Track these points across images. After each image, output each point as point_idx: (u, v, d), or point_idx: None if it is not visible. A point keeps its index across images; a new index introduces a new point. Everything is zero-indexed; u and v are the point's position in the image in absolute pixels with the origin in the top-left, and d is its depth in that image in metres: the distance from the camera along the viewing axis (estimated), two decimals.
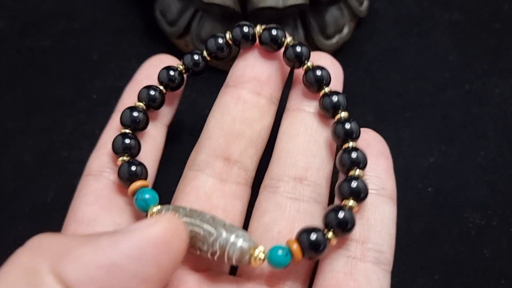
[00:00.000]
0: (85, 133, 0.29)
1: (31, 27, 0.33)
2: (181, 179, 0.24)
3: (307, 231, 0.20)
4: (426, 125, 0.30)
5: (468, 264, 0.26)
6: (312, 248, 0.20)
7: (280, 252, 0.20)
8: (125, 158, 0.22)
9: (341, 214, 0.20)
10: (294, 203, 0.22)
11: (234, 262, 0.20)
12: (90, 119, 0.30)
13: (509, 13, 0.34)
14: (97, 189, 0.22)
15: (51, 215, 0.27)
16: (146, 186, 0.22)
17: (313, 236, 0.20)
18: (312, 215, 0.22)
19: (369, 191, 0.22)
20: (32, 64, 0.32)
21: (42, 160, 0.28)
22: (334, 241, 0.20)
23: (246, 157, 0.23)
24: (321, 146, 0.23)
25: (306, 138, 0.23)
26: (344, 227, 0.20)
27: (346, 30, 0.32)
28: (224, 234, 0.20)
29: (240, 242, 0.20)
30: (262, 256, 0.20)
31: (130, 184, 0.22)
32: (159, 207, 0.21)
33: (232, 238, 0.20)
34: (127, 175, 0.22)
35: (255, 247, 0.20)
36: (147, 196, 0.21)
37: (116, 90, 0.28)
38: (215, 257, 0.20)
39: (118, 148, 0.23)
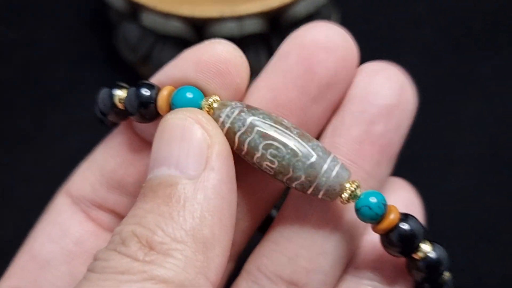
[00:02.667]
0: (45, 168, 0.29)
1: None
2: None
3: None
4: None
5: None
6: (404, 240, 0.15)
7: (376, 200, 0.15)
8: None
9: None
10: None
11: (321, 194, 0.16)
12: (50, 153, 0.29)
13: (482, 32, 0.33)
14: (67, 223, 0.19)
15: (8, 252, 0.26)
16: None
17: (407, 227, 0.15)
18: None
19: None
20: None
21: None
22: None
23: None
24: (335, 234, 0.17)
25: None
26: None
27: None
28: (319, 152, 0.15)
29: (337, 169, 0.15)
30: (358, 192, 0.15)
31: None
32: (216, 97, 0.16)
33: (329, 160, 0.15)
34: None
35: (353, 181, 0.16)
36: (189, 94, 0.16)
37: (77, 122, 0.28)
38: (295, 184, 0.15)
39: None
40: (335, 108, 0.17)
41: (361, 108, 0.17)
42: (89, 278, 0.14)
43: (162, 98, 0.16)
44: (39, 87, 0.32)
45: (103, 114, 0.18)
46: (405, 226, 0.15)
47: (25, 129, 0.31)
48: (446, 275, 0.17)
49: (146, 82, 0.17)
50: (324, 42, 0.16)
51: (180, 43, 0.29)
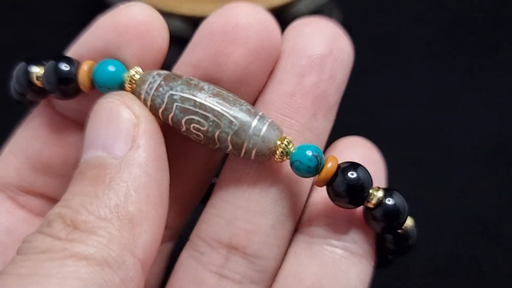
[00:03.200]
0: None
1: None
2: None
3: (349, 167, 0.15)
4: (398, 150, 0.29)
5: None
6: (349, 188, 0.15)
7: (309, 152, 0.15)
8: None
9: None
10: (220, 282, 0.17)
11: (252, 157, 0.15)
12: None
13: (482, 30, 0.33)
14: None
15: None
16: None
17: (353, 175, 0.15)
18: None
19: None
20: None
21: None
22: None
23: None
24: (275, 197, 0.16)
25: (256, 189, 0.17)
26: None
27: None
28: (242, 117, 0.15)
29: (265, 129, 0.15)
30: (291, 148, 0.15)
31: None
32: (138, 69, 0.15)
33: (254, 123, 0.15)
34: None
35: (283, 138, 0.15)
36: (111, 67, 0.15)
37: None
38: (227, 150, 0.15)
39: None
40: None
41: (291, 61, 0.16)
42: (13, 260, 0.14)
43: (83, 74, 0.15)
44: None
45: (20, 94, 0.17)
46: (351, 174, 0.15)
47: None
48: (409, 223, 0.16)
49: (64, 56, 0.16)
50: (233, 32, 0.15)
51: (181, 43, 0.29)
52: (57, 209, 0.14)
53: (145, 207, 0.14)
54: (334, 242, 0.16)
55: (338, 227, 0.16)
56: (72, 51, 0.17)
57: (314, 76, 0.16)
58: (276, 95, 0.16)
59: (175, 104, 0.15)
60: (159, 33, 0.16)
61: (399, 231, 0.16)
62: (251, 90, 0.16)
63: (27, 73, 0.16)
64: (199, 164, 0.17)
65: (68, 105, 0.17)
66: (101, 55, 0.16)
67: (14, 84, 0.17)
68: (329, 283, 0.16)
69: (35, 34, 0.34)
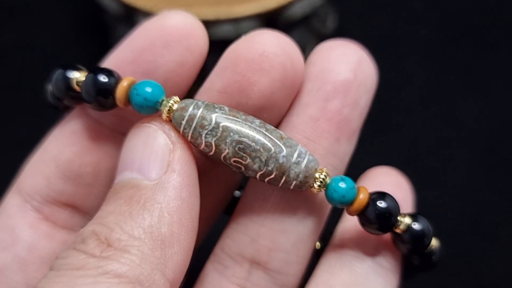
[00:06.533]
0: None
1: None
2: None
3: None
4: (394, 149, 0.29)
5: None
6: (379, 217, 0.16)
7: (343, 185, 0.16)
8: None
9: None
10: None
11: (292, 186, 0.16)
12: None
13: (479, 28, 0.33)
14: (18, 227, 0.18)
15: None
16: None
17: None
18: None
19: None
20: None
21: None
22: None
23: None
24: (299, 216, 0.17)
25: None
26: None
27: (308, 51, 0.31)
28: (284, 150, 0.15)
29: (305, 161, 0.15)
30: (328, 180, 0.16)
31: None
32: (176, 98, 0.15)
33: (295, 156, 0.15)
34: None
35: (322, 170, 0.16)
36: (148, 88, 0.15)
37: None
38: (267, 179, 0.16)
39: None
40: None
41: (317, 86, 0.17)
42: (47, 276, 0.14)
43: (121, 90, 0.15)
44: (34, 91, 0.32)
45: (57, 99, 0.17)
46: (380, 204, 0.16)
47: (20, 133, 0.30)
48: (434, 244, 0.17)
49: (105, 68, 0.16)
50: (258, 61, 0.16)
51: None
52: (92, 226, 0.14)
53: (177, 230, 0.14)
54: (364, 256, 0.17)
55: (368, 245, 0.17)
56: (118, 52, 0.17)
57: (338, 101, 0.16)
58: (301, 118, 0.17)
59: (221, 126, 0.15)
60: (200, 37, 0.16)
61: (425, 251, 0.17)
62: (275, 115, 0.17)
63: (66, 79, 0.16)
64: (220, 185, 0.18)
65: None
66: (144, 59, 0.16)
67: (52, 87, 0.17)
68: None
69: (31, 39, 0.34)
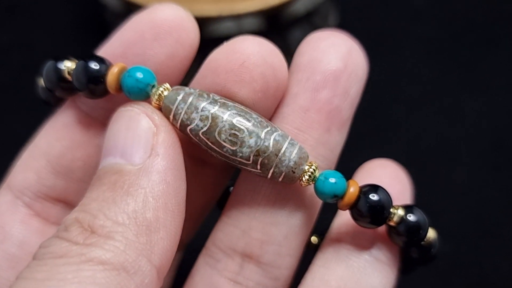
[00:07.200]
0: None
1: None
2: None
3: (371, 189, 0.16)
4: (397, 147, 0.29)
5: None
6: (371, 210, 0.15)
7: (333, 180, 0.15)
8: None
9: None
10: None
11: (280, 179, 0.15)
12: None
13: (481, 25, 0.33)
14: (9, 223, 0.18)
15: None
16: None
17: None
18: None
19: None
20: None
21: None
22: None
23: None
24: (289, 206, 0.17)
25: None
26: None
27: None
28: (272, 139, 0.15)
29: (295, 152, 0.15)
30: (317, 174, 0.15)
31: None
32: (167, 85, 0.15)
33: (285, 145, 0.15)
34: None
35: (311, 163, 0.15)
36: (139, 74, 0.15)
37: None
38: (255, 169, 0.15)
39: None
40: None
41: (306, 76, 0.16)
42: (29, 265, 0.13)
43: (112, 76, 0.15)
44: (33, 89, 0.32)
45: (48, 91, 0.17)
46: (372, 196, 0.15)
47: (20, 132, 0.30)
48: (431, 236, 0.17)
49: (95, 55, 0.16)
50: (238, 72, 0.15)
51: None
52: (75, 214, 0.14)
53: (163, 215, 0.14)
54: (360, 250, 0.17)
55: (364, 239, 0.17)
56: (107, 46, 0.17)
57: (328, 91, 0.16)
58: (291, 109, 0.16)
59: (206, 113, 0.15)
60: (190, 29, 0.16)
61: (422, 243, 0.16)
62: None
63: (57, 70, 0.16)
64: (210, 179, 0.18)
65: (94, 104, 0.17)
66: (134, 52, 0.16)
67: (43, 79, 0.17)
68: (353, 286, 0.16)
69: (31, 37, 0.34)
